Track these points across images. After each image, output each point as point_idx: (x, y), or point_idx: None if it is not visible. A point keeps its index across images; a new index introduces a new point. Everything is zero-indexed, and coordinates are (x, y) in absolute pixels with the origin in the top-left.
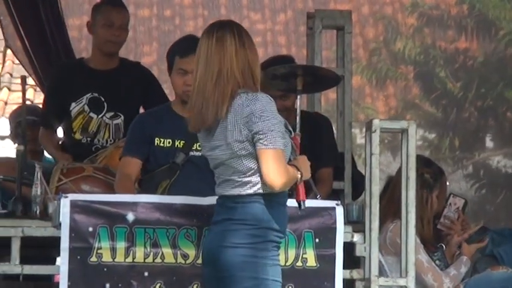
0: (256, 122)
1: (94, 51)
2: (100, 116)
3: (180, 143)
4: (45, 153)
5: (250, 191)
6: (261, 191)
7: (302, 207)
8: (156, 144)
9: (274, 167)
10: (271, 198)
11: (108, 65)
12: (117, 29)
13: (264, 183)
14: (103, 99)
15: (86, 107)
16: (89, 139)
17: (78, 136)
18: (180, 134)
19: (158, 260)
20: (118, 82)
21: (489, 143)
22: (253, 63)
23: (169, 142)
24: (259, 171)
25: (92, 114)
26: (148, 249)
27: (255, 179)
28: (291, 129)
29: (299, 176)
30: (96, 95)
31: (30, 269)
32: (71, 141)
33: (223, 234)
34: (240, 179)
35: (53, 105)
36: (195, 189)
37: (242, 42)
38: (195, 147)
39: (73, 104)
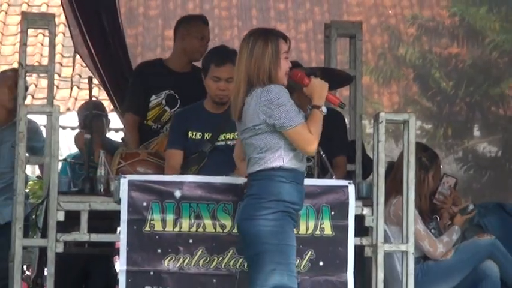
0: (274, 109)
1: (178, 55)
2: (173, 110)
3: (208, 135)
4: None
5: (264, 167)
6: (273, 165)
7: (343, 107)
8: (189, 136)
9: (301, 141)
10: (282, 173)
11: (184, 68)
12: (206, 42)
13: (275, 161)
14: (177, 97)
15: (164, 101)
16: (158, 126)
17: (150, 123)
18: (208, 128)
19: (200, 229)
20: (190, 84)
21: (476, 132)
22: (266, 66)
23: (199, 135)
24: (272, 149)
25: (166, 108)
26: (193, 221)
27: (269, 156)
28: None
29: (318, 112)
30: (172, 92)
31: (96, 237)
32: (143, 127)
33: (244, 209)
34: (257, 156)
35: (138, 96)
36: (219, 172)
37: (251, 50)
38: (220, 138)
39: (153, 97)
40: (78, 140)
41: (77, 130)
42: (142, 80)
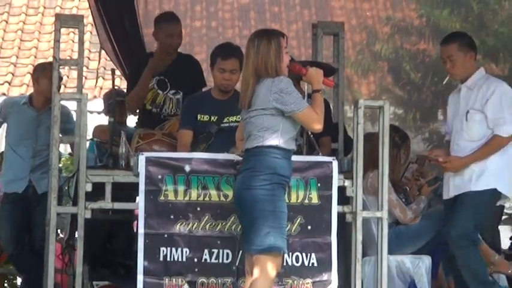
0: (284, 97)
1: (160, 50)
2: (165, 92)
3: (214, 118)
4: (127, 123)
5: (263, 144)
6: (270, 143)
7: (337, 85)
8: (198, 119)
9: (310, 121)
10: (277, 151)
11: (170, 58)
12: (176, 38)
13: (272, 140)
14: (167, 81)
15: (155, 86)
16: (158, 109)
17: (148, 107)
18: (215, 112)
19: (207, 199)
20: (177, 68)
21: (440, 116)
22: (272, 61)
23: (207, 118)
24: (271, 130)
25: (159, 91)
26: (200, 191)
27: (268, 135)
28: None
29: (319, 95)
30: (162, 77)
31: (118, 205)
32: (143, 112)
33: (242, 180)
34: (257, 133)
35: (135, 83)
36: (224, 150)
37: (258, 48)
38: (225, 121)
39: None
40: (96, 131)
41: (102, 115)
42: (136, 70)
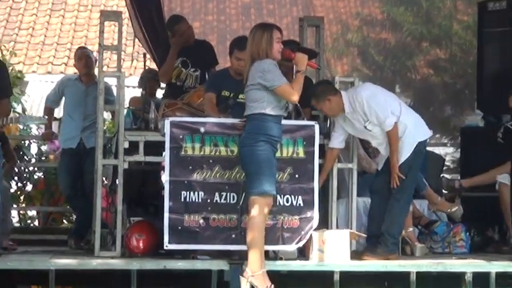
0: (266, 75)
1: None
2: (187, 70)
3: (231, 94)
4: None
5: (253, 112)
6: (259, 111)
7: (320, 69)
8: (221, 94)
9: (286, 94)
10: (266, 117)
11: (189, 43)
12: (188, 32)
13: (261, 109)
14: (188, 61)
15: (180, 65)
16: (181, 83)
17: (173, 81)
18: (232, 89)
19: (217, 153)
20: (196, 51)
21: (397, 90)
22: (263, 47)
23: (227, 93)
24: (259, 101)
25: (182, 69)
26: (212, 148)
27: (257, 105)
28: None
29: (300, 74)
30: (184, 58)
31: (149, 158)
32: (169, 85)
33: (242, 140)
34: (249, 104)
35: (163, 63)
36: (237, 118)
37: (254, 37)
38: (240, 97)
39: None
40: (131, 101)
41: (137, 88)
42: (165, 52)
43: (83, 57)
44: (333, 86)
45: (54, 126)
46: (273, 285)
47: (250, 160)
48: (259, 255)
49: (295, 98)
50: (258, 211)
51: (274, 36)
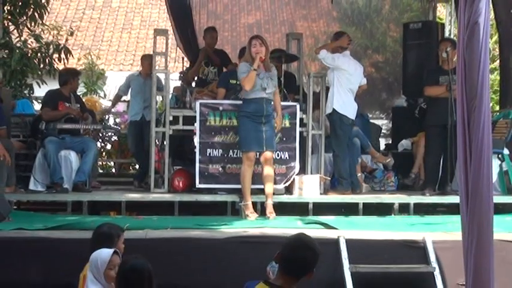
0: (238, 71)
1: (206, 46)
2: (208, 68)
3: (238, 82)
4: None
5: (241, 96)
6: (243, 96)
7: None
8: (230, 82)
9: (243, 84)
10: (247, 99)
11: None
12: (215, 39)
13: (242, 94)
14: (209, 62)
15: (203, 65)
16: (204, 77)
17: (200, 75)
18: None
19: (230, 123)
20: (215, 56)
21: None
22: (246, 51)
23: (235, 81)
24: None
25: (205, 67)
26: (227, 120)
27: (242, 91)
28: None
29: (252, 69)
30: (207, 60)
31: (186, 127)
32: (199, 79)
33: (238, 113)
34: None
35: (193, 65)
36: None
37: (248, 45)
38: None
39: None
40: (174, 89)
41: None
42: (195, 57)
43: (147, 60)
44: None
45: (124, 106)
46: (254, 212)
47: (238, 132)
48: (245, 191)
49: (246, 87)
50: (244, 163)
51: (251, 43)
